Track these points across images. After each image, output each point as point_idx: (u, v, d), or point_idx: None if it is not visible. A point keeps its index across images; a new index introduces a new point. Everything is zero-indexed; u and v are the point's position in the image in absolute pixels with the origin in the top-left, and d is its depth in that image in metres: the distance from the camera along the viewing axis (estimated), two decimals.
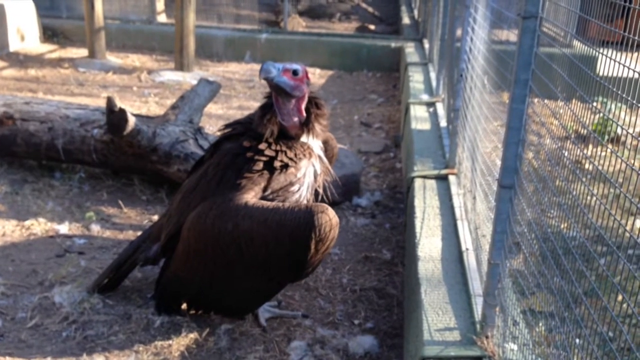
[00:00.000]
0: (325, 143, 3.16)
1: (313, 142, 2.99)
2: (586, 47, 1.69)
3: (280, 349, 2.93)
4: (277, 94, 2.86)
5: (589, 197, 1.61)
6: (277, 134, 2.86)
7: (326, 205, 2.69)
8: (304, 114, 2.92)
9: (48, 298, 3.19)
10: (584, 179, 1.64)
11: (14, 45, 8.62)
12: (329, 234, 2.64)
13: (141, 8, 10.07)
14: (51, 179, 4.67)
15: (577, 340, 1.62)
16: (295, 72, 2.83)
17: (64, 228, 3.96)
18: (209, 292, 2.97)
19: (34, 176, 4.69)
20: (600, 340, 1.51)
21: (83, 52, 8.76)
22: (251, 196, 2.75)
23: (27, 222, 4.02)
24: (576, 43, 1.80)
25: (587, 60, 1.68)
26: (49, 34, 9.58)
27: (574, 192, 1.69)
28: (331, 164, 3.22)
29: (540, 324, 1.99)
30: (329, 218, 2.64)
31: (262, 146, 2.81)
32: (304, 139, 2.94)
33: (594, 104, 1.61)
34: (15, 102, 4.76)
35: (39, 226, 3.99)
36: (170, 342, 2.91)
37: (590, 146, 1.72)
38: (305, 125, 2.92)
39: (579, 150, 1.71)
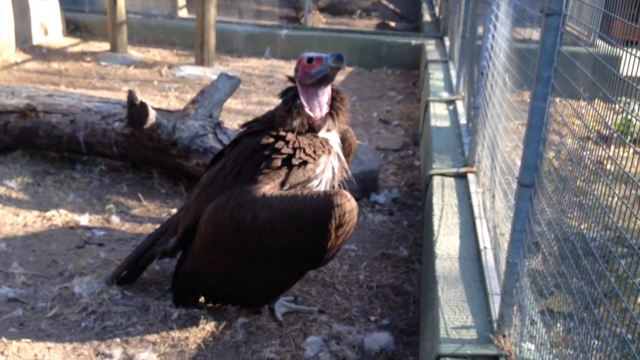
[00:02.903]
0: (344, 136, 3.17)
1: (333, 136, 3.01)
2: (610, 46, 1.67)
3: (296, 343, 2.94)
4: (321, 83, 2.89)
5: (610, 198, 1.60)
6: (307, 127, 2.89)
7: (344, 191, 2.71)
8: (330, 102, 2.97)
9: (68, 288, 3.23)
10: (605, 179, 1.63)
11: (38, 38, 8.72)
12: (348, 218, 2.66)
13: (163, 3, 10.13)
14: (72, 171, 4.73)
15: (596, 342, 1.61)
16: None
17: (84, 220, 4.01)
18: (227, 284, 2.98)
19: (55, 168, 4.75)
20: (619, 341, 1.49)
21: (105, 46, 8.83)
22: (268, 188, 2.76)
23: (48, 213, 4.07)
24: (600, 42, 1.78)
25: (611, 59, 1.66)
26: (72, 28, 9.68)
27: (596, 193, 1.68)
28: (350, 157, 3.24)
29: (559, 324, 1.98)
30: (348, 203, 2.66)
31: (279, 145, 2.82)
32: (323, 132, 2.95)
33: (618, 103, 1.59)
34: (38, 95, 4.82)
35: (60, 217, 4.04)
36: (187, 334, 2.93)
37: (613, 146, 1.70)
38: (330, 114, 2.95)
39: (601, 150, 1.70)
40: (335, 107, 2.97)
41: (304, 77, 2.90)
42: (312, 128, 2.92)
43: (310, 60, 2.88)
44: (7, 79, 7.17)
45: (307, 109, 2.90)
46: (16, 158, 4.76)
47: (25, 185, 4.41)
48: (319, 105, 2.93)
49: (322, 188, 2.91)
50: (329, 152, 2.94)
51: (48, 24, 8.98)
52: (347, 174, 3.14)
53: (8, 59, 7.87)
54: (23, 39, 8.35)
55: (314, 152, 2.87)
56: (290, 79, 3.01)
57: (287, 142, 2.84)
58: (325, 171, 2.92)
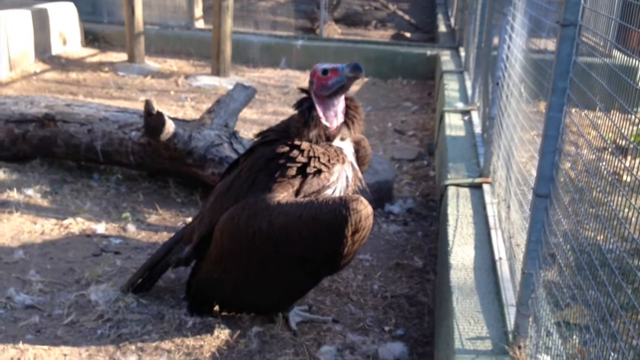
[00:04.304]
0: (359, 145, 3.17)
1: (347, 145, 3.02)
2: (626, 57, 1.67)
3: (310, 353, 2.94)
4: (337, 93, 2.90)
5: (627, 209, 1.59)
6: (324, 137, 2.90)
7: (359, 196, 2.72)
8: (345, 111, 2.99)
9: (84, 296, 3.26)
10: (622, 191, 1.62)
11: (57, 48, 8.84)
12: (365, 223, 2.66)
13: (180, 14, 10.24)
14: (89, 179, 4.78)
15: (612, 354, 1.60)
16: None
17: (100, 228, 4.04)
18: (242, 292, 2.99)
19: (73, 177, 4.80)
20: (636, 354, 1.48)
21: (123, 56, 8.93)
22: (283, 197, 2.77)
23: (66, 221, 4.11)
24: (616, 52, 1.78)
25: (627, 69, 1.66)
26: (90, 38, 9.80)
27: (612, 204, 1.67)
28: (365, 167, 3.24)
29: (575, 336, 1.96)
30: (363, 208, 2.66)
31: (294, 154, 2.83)
32: (337, 141, 2.96)
33: (634, 114, 1.58)
34: (56, 104, 4.88)
35: (77, 225, 4.08)
36: (202, 342, 2.94)
37: (629, 157, 1.69)
38: (345, 123, 2.97)
39: (617, 161, 1.69)
40: (350, 116, 2.98)
41: (321, 89, 2.89)
42: (326, 137, 2.93)
43: (325, 71, 2.87)
44: (26, 89, 7.27)
45: (324, 120, 2.91)
46: (34, 167, 4.82)
47: (43, 194, 4.46)
48: (335, 115, 2.94)
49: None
50: (343, 161, 2.94)
51: (67, 34, 9.10)
52: (361, 183, 3.14)
53: (27, 69, 7.99)
54: (42, 50, 8.46)
55: (328, 160, 2.87)
56: (303, 90, 3.01)
57: (301, 151, 2.85)
58: (339, 180, 2.93)
